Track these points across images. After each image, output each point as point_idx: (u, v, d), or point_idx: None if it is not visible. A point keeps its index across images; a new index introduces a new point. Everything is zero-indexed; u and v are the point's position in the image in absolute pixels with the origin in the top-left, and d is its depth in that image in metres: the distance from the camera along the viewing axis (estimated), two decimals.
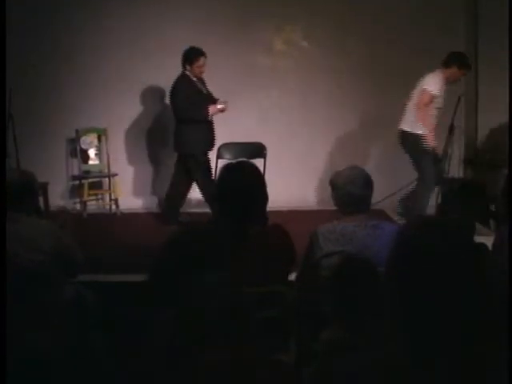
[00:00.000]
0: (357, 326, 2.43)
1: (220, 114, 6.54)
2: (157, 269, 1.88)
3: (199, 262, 1.80)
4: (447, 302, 1.48)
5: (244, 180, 3.12)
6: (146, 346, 1.68)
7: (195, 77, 6.55)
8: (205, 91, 6.63)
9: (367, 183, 3.33)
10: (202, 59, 6.46)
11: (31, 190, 3.46)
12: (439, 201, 6.92)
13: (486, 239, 2.81)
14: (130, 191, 7.73)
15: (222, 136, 6.93)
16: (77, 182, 7.69)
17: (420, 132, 6.28)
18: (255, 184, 3.14)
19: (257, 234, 3.09)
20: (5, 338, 2.32)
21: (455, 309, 1.48)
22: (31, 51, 7.44)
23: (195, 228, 2.32)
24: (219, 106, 6.45)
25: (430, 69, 6.39)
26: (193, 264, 1.76)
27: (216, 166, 6.75)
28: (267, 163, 6.68)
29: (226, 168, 3.29)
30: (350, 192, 3.27)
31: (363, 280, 2.50)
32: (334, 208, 3.43)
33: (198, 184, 6.68)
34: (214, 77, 6.84)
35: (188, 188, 6.86)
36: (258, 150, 6.82)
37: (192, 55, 6.46)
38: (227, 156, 6.88)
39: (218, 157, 6.84)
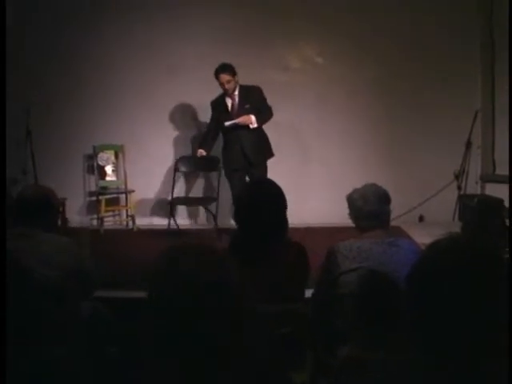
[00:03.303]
0: (374, 342, 2.41)
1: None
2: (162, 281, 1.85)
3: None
4: (474, 320, 1.47)
5: (264, 198, 3.13)
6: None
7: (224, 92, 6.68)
8: (235, 108, 6.68)
9: (384, 200, 3.31)
10: (220, 77, 6.55)
11: (48, 205, 3.44)
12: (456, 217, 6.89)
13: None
14: (146, 208, 7.75)
15: None
16: (94, 198, 7.73)
17: None
18: (275, 202, 3.16)
19: (274, 251, 3.09)
20: (5, 350, 2.32)
21: (480, 328, 1.47)
22: (49, 67, 7.50)
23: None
24: (199, 151, 6.78)
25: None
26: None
27: (174, 179, 7.19)
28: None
29: (248, 186, 3.32)
30: (366, 209, 3.26)
31: (381, 296, 2.49)
32: (352, 225, 3.42)
33: None
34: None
35: None
36: (213, 163, 6.94)
37: (215, 72, 6.57)
38: (183, 169, 7.33)
39: (176, 169, 7.20)
